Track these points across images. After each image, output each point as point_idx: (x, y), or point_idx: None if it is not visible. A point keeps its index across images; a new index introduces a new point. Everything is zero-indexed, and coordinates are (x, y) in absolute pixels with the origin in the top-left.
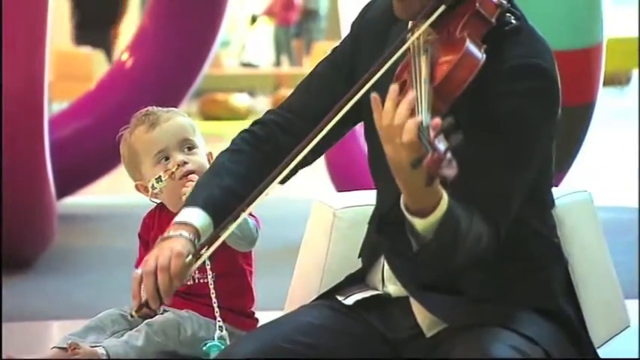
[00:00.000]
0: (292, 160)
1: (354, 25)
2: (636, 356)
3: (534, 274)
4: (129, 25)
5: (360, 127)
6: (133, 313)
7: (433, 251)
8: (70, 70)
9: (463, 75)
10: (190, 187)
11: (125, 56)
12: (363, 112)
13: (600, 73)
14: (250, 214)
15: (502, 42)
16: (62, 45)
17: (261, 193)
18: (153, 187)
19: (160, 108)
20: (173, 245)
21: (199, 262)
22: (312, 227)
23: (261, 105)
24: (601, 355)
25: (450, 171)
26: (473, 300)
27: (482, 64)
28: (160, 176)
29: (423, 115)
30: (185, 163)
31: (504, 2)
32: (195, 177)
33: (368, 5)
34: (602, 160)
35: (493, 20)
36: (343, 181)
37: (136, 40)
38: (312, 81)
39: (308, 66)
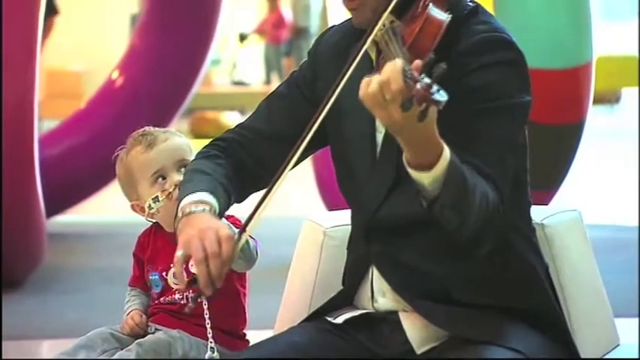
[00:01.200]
0: (284, 169)
1: (311, 52)
2: None
3: (521, 274)
4: (119, 44)
5: None
6: (191, 305)
7: (445, 204)
8: (60, 88)
9: (430, 33)
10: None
11: (115, 74)
12: (328, 134)
13: (590, 92)
14: (250, 237)
15: (462, 24)
16: (52, 63)
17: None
18: (150, 207)
19: (156, 128)
20: (217, 228)
21: (241, 243)
22: (302, 246)
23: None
24: None
25: (442, 96)
26: (463, 306)
27: (447, 25)
28: (157, 196)
29: (403, 58)
30: None
31: None
32: None
33: (324, 32)
34: (592, 178)
35: None
36: (334, 200)
37: (126, 59)
38: (273, 102)
39: None
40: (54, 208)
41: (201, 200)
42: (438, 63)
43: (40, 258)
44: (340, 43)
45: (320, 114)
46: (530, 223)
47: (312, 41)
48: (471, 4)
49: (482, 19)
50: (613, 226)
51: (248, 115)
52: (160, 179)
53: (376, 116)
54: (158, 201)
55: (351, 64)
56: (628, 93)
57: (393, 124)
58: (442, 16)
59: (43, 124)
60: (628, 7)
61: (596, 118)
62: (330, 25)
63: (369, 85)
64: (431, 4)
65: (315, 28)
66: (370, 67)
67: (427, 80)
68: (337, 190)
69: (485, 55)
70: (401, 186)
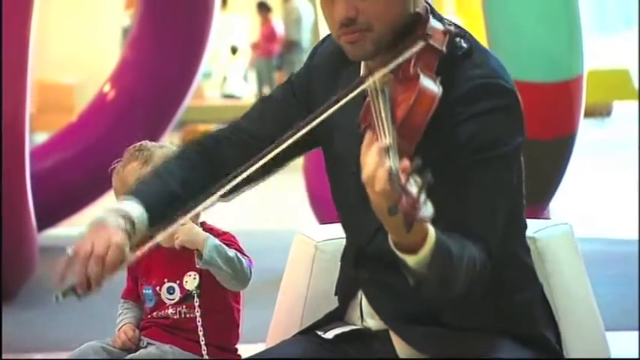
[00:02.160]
0: (237, 177)
1: (308, 59)
2: None
3: (514, 299)
4: (111, 57)
5: None
6: (59, 295)
7: (431, 283)
8: (51, 101)
9: (422, 111)
10: (182, 228)
11: (107, 88)
12: (320, 142)
13: (581, 105)
14: (243, 253)
15: (456, 67)
16: (44, 76)
17: (200, 204)
18: None
19: (153, 143)
20: (112, 235)
21: (127, 261)
22: (294, 260)
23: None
24: None
25: (427, 214)
26: (453, 329)
27: (440, 97)
28: None
29: (391, 160)
30: None
31: (451, 28)
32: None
33: (321, 41)
34: (584, 191)
35: (443, 48)
36: (325, 213)
37: (118, 72)
38: (268, 105)
39: None
40: (45, 222)
41: (123, 211)
42: (424, 169)
43: (31, 271)
44: (336, 53)
45: (297, 132)
46: (525, 244)
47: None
48: (464, 45)
49: (477, 60)
50: (605, 239)
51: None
52: None
53: (370, 195)
54: None
55: (343, 98)
56: (619, 106)
57: (378, 210)
58: (434, 87)
59: (35, 137)
60: (618, 20)
61: (587, 131)
62: (321, 37)
63: (364, 166)
64: (421, 70)
65: (306, 41)
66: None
67: (414, 190)
68: (328, 203)
69: (479, 103)
70: None
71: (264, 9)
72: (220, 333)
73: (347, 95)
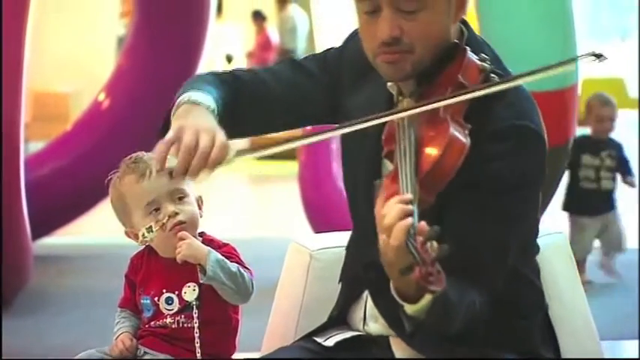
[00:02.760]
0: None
1: (344, 44)
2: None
3: (517, 321)
4: (105, 66)
5: (337, 169)
6: (156, 169)
7: (427, 329)
8: (46, 110)
9: (450, 164)
10: (183, 243)
11: (102, 96)
12: (336, 115)
13: (575, 114)
14: (244, 266)
15: (488, 103)
16: (39, 85)
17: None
18: (144, 236)
19: (149, 154)
20: (217, 132)
21: (230, 161)
22: (289, 269)
23: (239, 144)
24: None
25: (439, 285)
26: (455, 341)
27: (468, 149)
28: (151, 226)
29: (413, 216)
30: (176, 213)
31: (487, 65)
32: (185, 233)
33: (353, 33)
34: None
35: (479, 93)
36: (320, 222)
37: (113, 81)
38: (296, 71)
39: None
40: (40, 230)
41: (204, 98)
42: (440, 242)
43: (26, 280)
44: (360, 58)
45: (324, 134)
46: (536, 267)
47: None
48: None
49: (509, 99)
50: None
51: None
52: (154, 210)
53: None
54: (152, 231)
55: (363, 122)
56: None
57: (386, 261)
58: (463, 140)
59: (30, 145)
60: (613, 30)
61: None
62: (317, 46)
63: (382, 216)
64: (451, 120)
65: (301, 50)
66: (389, 95)
67: (429, 257)
68: (323, 212)
69: (508, 142)
70: None
71: (259, 18)
72: (218, 344)
73: (374, 119)
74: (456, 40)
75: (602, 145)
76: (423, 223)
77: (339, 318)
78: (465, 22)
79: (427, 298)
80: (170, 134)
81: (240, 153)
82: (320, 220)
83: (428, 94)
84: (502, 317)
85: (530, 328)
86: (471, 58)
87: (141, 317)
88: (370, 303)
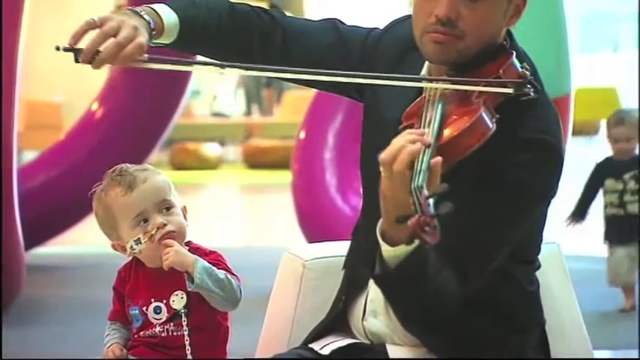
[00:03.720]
0: (276, 72)
1: (383, 31)
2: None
3: (513, 334)
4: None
5: (331, 178)
6: (61, 47)
7: (391, 282)
8: (39, 119)
9: (469, 142)
10: (170, 250)
11: (95, 106)
12: (363, 97)
13: (569, 124)
14: (231, 273)
15: (517, 111)
16: (32, 94)
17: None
18: (132, 248)
19: (134, 166)
20: (140, 32)
21: (139, 64)
22: (282, 278)
23: (232, 154)
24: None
25: (432, 238)
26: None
27: (490, 135)
28: (139, 238)
29: (421, 174)
30: (164, 225)
31: (527, 74)
32: (171, 241)
33: (397, 20)
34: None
35: (512, 90)
36: (314, 232)
37: (106, 90)
38: (330, 37)
39: (279, 115)
40: (33, 240)
41: (158, 13)
42: (447, 199)
43: (18, 290)
44: (396, 45)
45: (341, 76)
46: (535, 278)
47: None
48: (532, 93)
49: (539, 113)
50: (594, 257)
51: (228, 147)
52: (142, 222)
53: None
54: (140, 243)
55: (391, 79)
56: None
57: (385, 197)
58: (489, 124)
59: (23, 155)
60: (604, 39)
61: (575, 150)
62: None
63: (390, 153)
64: (483, 105)
65: None
66: (420, 90)
67: (430, 211)
68: (317, 222)
69: (530, 153)
70: None
71: None
72: (208, 351)
73: (404, 80)
74: (503, 42)
75: (624, 167)
76: (439, 158)
77: (337, 318)
78: (510, 34)
79: (407, 249)
80: (96, 18)
81: (154, 60)
82: (314, 229)
83: (450, 105)
84: (498, 329)
85: (525, 342)
86: (514, 61)
87: (131, 329)
88: (371, 297)
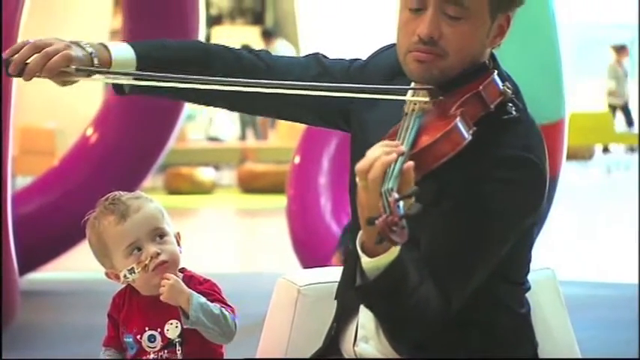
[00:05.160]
0: (245, 86)
1: (370, 57)
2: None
3: (503, 354)
4: (93, 101)
5: (325, 203)
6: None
7: (370, 293)
8: (33, 145)
9: (444, 149)
10: (167, 284)
11: (89, 131)
12: (349, 125)
13: (563, 149)
14: (226, 304)
15: (499, 129)
16: (26, 120)
17: (192, 82)
18: (125, 277)
19: (127, 194)
20: (71, 48)
21: (70, 78)
22: (276, 304)
23: (227, 178)
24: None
25: (400, 238)
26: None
27: (466, 144)
28: (133, 268)
29: (392, 179)
30: (158, 254)
31: (509, 92)
32: (170, 275)
33: (382, 49)
34: (566, 234)
35: (492, 107)
36: (308, 257)
37: (100, 116)
38: (300, 66)
39: (273, 139)
40: (27, 266)
41: (105, 46)
42: (418, 199)
43: (13, 316)
44: (383, 71)
45: (320, 90)
46: (526, 304)
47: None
48: (513, 112)
49: (521, 132)
50: (588, 282)
51: (223, 171)
52: (136, 251)
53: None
54: (134, 272)
55: (373, 92)
56: (601, 149)
57: (359, 208)
58: (464, 134)
59: (17, 180)
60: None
61: (569, 174)
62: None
63: (366, 162)
64: (460, 116)
65: None
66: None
67: (399, 212)
68: (312, 247)
69: (511, 172)
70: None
71: None
72: None
73: (385, 92)
74: (485, 61)
75: None
76: (410, 163)
77: (331, 344)
78: (493, 55)
79: (386, 258)
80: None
81: (81, 71)
82: (308, 255)
83: (444, 100)
84: (488, 351)
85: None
86: (495, 79)
87: (125, 355)
88: (361, 322)
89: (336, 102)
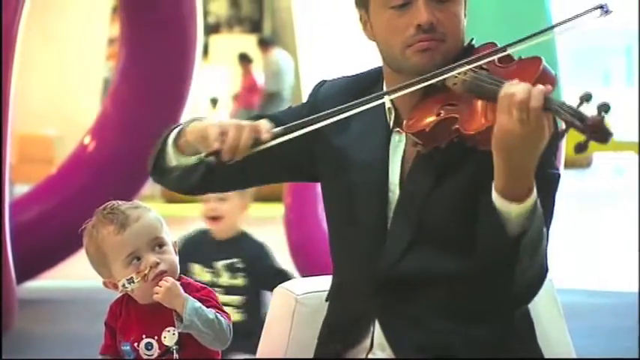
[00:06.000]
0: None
1: (311, 96)
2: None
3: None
4: (91, 108)
5: (323, 212)
6: (202, 158)
7: (530, 239)
8: (31, 153)
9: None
10: (163, 286)
11: (87, 139)
12: (323, 173)
13: (561, 157)
14: (222, 310)
15: None
16: (24, 128)
17: None
18: (124, 287)
19: (126, 204)
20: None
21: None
22: (274, 313)
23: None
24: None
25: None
26: None
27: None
28: (132, 277)
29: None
30: (157, 263)
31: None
32: (168, 278)
33: (319, 84)
34: (564, 242)
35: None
36: (306, 266)
37: (98, 123)
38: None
39: None
40: (25, 274)
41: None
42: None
43: (10, 324)
44: (345, 90)
45: (306, 126)
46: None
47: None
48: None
49: None
50: (586, 290)
51: None
52: (135, 260)
53: (504, 126)
54: (133, 282)
55: (352, 107)
56: (599, 157)
57: (513, 140)
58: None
59: (15, 188)
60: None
61: (567, 183)
62: (302, 88)
63: (530, 93)
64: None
65: (287, 92)
66: (385, 124)
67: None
68: (309, 256)
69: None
70: (415, 247)
71: (245, 60)
72: None
73: (365, 103)
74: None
75: None
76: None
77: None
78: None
79: (533, 197)
80: (211, 125)
81: (278, 134)
82: (306, 263)
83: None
84: (506, 343)
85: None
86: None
87: None
88: (378, 332)
89: (298, 149)
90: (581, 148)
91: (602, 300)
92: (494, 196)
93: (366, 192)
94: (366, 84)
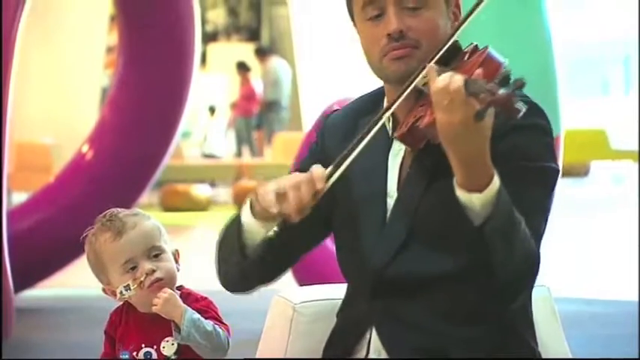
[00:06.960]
0: None
1: (318, 137)
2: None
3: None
4: (89, 117)
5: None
6: (276, 231)
7: (496, 227)
8: (29, 161)
9: (493, 67)
10: (162, 297)
11: (85, 148)
12: (336, 201)
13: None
14: (221, 321)
15: None
16: (22, 136)
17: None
18: (121, 294)
19: (124, 211)
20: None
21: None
22: (272, 322)
23: (223, 195)
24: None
25: (521, 107)
26: None
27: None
28: (129, 285)
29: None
30: (153, 271)
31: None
32: (167, 289)
33: (324, 118)
34: (561, 251)
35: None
36: (304, 275)
37: (96, 132)
38: None
39: (269, 156)
40: (22, 283)
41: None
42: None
43: (8, 333)
44: (345, 121)
45: (336, 170)
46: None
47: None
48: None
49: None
50: (582, 299)
51: (219, 188)
52: (131, 268)
53: (437, 117)
54: (129, 289)
55: (372, 128)
56: (596, 166)
57: (449, 129)
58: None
59: (12, 196)
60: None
61: (565, 191)
62: (301, 97)
63: (451, 79)
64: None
65: (285, 100)
66: (386, 137)
67: (497, 89)
68: (308, 265)
69: (522, 118)
70: (409, 247)
71: (243, 69)
72: None
73: (372, 127)
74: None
75: None
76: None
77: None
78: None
79: (494, 186)
80: (268, 188)
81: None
82: (304, 272)
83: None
84: (504, 342)
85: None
86: (490, 52)
87: None
88: (376, 337)
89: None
90: (479, 114)
91: (600, 308)
92: (456, 189)
93: (367, 200)
94: (370, 97)
